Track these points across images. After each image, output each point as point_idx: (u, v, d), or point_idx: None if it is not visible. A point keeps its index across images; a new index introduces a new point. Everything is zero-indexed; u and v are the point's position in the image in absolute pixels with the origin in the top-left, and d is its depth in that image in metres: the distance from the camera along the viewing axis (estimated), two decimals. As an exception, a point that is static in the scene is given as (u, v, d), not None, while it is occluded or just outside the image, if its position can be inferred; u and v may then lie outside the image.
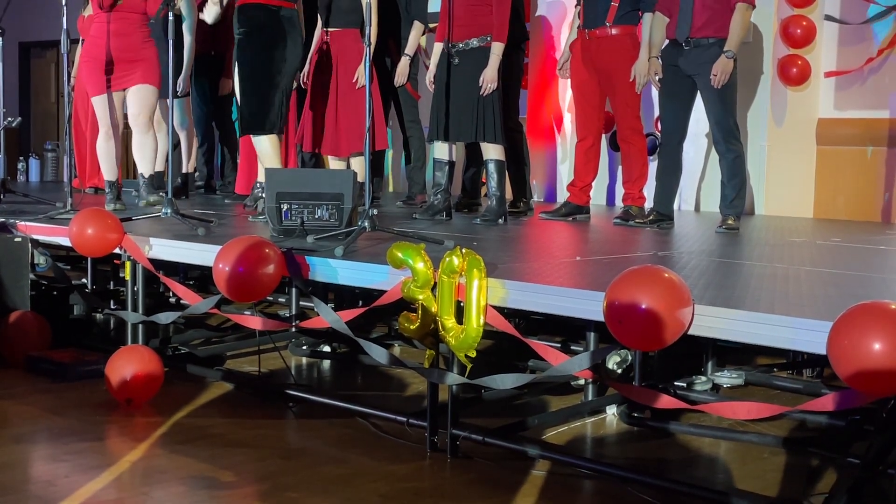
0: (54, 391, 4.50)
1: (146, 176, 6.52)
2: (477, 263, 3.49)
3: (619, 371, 4.42)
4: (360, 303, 5.48)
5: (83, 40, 8.33)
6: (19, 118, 7.54)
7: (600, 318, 3.13)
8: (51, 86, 13.36)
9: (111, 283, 6.43)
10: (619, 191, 6.68)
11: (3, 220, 5.52)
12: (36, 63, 13.54)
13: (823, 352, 2.69)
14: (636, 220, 6.01)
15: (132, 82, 6.25)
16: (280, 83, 5.96)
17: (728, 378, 4.62)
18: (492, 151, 5.95)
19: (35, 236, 5.35)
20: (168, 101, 6.13)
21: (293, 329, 5.15)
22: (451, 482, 3.43)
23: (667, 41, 5.91)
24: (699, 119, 6.24)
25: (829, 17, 7.34)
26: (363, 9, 5.71)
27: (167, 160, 5.62)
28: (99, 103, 6.28)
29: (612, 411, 4.22)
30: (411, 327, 3.68)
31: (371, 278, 3.99)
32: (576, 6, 6.49)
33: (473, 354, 3.55)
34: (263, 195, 5.38)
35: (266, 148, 6.03)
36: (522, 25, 6.98)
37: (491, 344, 5.03)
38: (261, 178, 6.34)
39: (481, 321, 3.49)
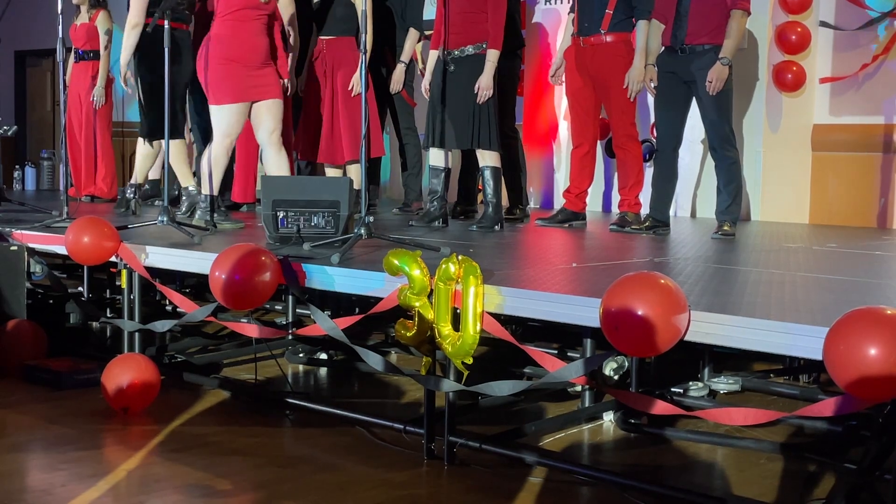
0: (51, 400, 4.49)
1: None
2: (473, 270, 3.49)
3: (616, 377, 4.42)
4: (357, 310, 5.47)
5: (76, 49, 8.33)
6: (15, 126, 7.54)
7: (597, 324, 3.13)
8: (46, 94, 13.35)
9: (107, 291, 6.43)
10: (615, 197, 6.68)
11: (-1, 228, 5.52)
12: (32, 72, 13.53)
13: (820, 357, 2.69)
14: (632, 226, 6.01)
15: (270, 94, 5.74)
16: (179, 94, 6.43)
17: (725, 384, 4.62)
18: (488, 158, 5.95)
19: (31, 245, 5.34)
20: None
21: (290, 337, 5.16)
22: (448, 489, 3.43)
23: (662, 48, 5.92)
24: (695, 125, 6.25)
25: (823, 24, 7.35)
26: (358, 17, 5.71)
27: (163, 168, 5.63)
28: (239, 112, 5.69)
29: (608, 418, 4.22)
30: (408, 334, 3.68)
31: (367, 285, 3.99)
32: (569, 13, 6.50)
33: (470, 361, 3.55)
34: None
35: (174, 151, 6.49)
36: (518, 33, 6.99)
37: (487, 351, 5.03)
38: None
39: (478, 328, 3.49)
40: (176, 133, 6.40)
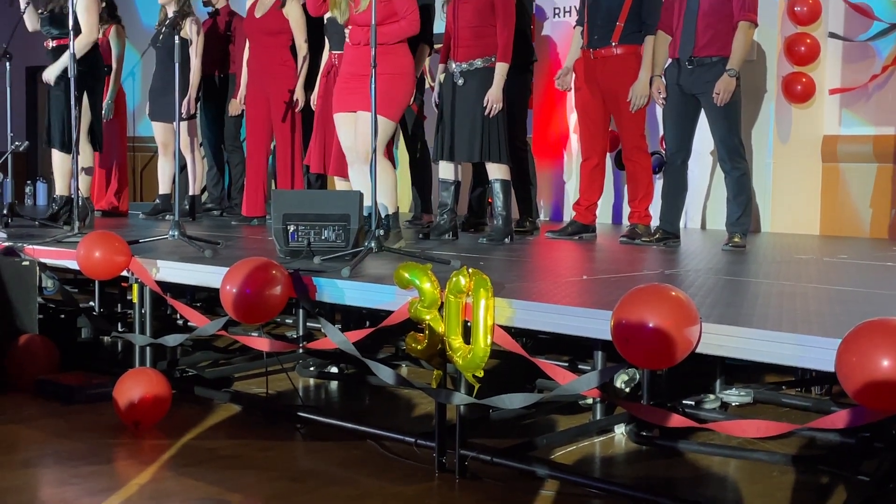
0: (62, 414, 4.50)
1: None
2: (484, 283, 3.49)
3: (627, 390, 4.41)
4: (367, 323, 5.48)
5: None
6: (27, 142, 7.55)
7: (608, 336, 3.13)
8: (58, 110, 13.39)
9: (119, 305, 6.44)
10: (625, 209, 6.68)
11: (11, 243, 5.53)
12: (43, 87, 13.55)
13: (832, 369, 2.68)
14: (642, 238, 6.01)
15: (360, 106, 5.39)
16: None
17: (736, 396, 4.61)
18: (497, 171, 5.96)
19: (43, 260, 5.36)
20: (174, 123, 6.15)
21: (300, 350, 5.16)
22: (460, 503, 3.43)
23: (670, 60, 5.93)
24: (704, 137, 6.25)
25: (833, 35, 7.35)
26: (369, 31, 5.73)
27: (174, 182, 5.64)
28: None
29: (620, 430, 4.20)
30: (418, 347, 3.68)
31: (378, 299, 3.99)
32: (575, 27, 6.48)
33: (481, 374, 3.55)
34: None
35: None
36: (530, 46, 7.00)
37: (498, 363, 5.03)
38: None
39: (488, 341, 3.49)
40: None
